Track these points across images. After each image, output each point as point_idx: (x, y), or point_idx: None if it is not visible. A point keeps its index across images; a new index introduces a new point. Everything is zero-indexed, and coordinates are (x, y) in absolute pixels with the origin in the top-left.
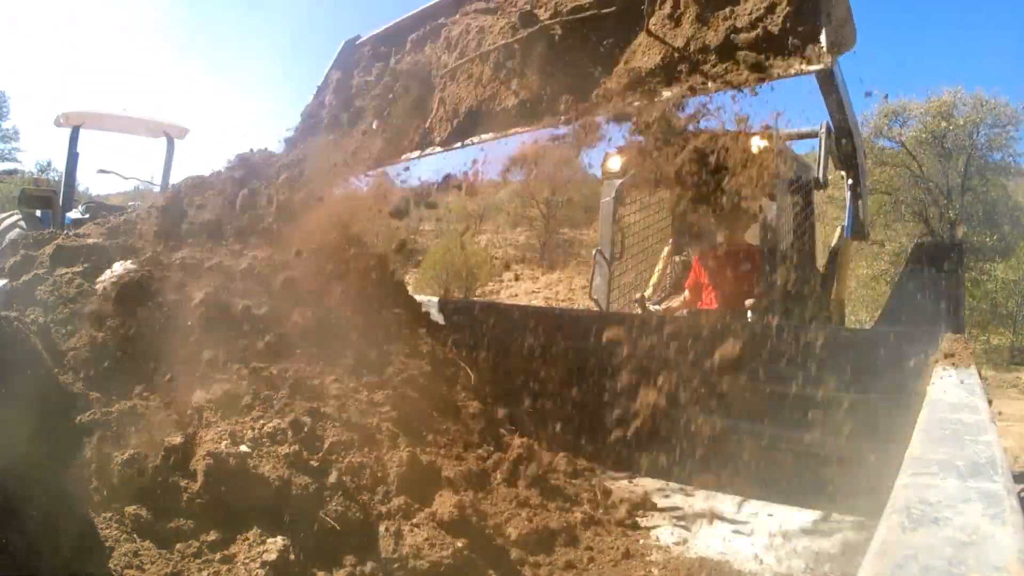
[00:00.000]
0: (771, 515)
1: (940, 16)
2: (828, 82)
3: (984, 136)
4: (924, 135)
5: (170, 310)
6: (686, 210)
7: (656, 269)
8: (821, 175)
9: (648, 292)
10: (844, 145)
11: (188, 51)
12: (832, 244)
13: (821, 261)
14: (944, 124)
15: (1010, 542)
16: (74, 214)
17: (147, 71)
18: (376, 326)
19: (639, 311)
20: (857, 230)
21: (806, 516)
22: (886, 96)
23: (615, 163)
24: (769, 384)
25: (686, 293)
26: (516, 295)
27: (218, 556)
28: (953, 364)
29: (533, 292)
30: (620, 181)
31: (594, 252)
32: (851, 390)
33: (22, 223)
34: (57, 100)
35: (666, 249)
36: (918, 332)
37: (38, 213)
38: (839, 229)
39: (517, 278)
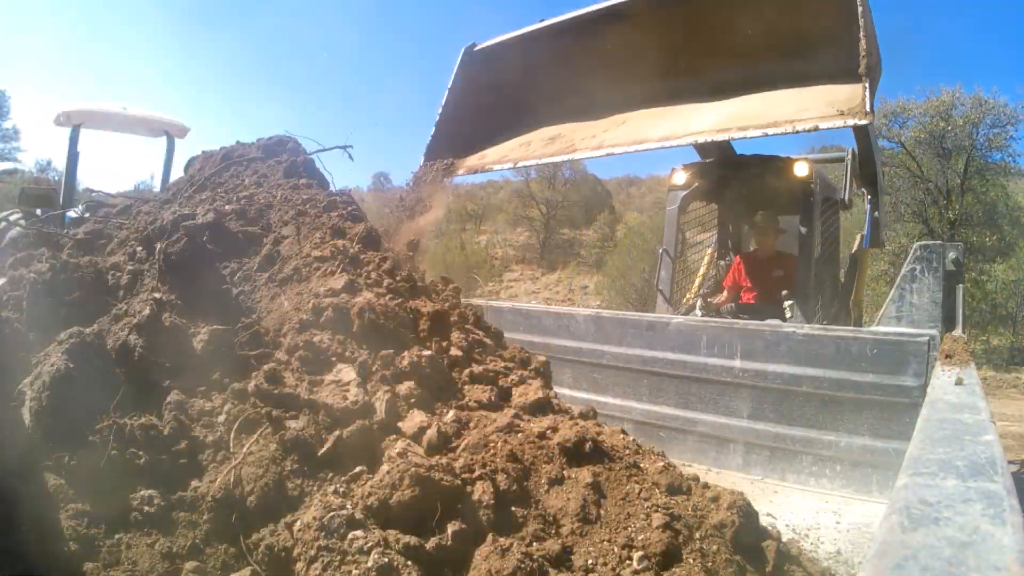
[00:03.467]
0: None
1: (940, 16)
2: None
3: (983, 136)
4: (923, 135)
5: None
6: (728, 221)
7: (700, 272)
8: (846, 196)
9: (695, 290)
10: (867, 168)
11: (189, 50)
12: (852, 251)
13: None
14: (943, 124)
15: (1010, 542)
16: (74, 213)
17: (147, 71)
18: None
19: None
20: (875, 240)
21: None
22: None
23: (680, 177)
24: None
25: (725, 292)
26: (516, 295)
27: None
28: (953, 364)
29: (533, 292)
30: (683, 193)
31: (660, 251)
32: (851, 389)
33: (22, 222)
34: (57, 100)
35: (708, 252)
36: (918, 333)
37: (38, 212)
38: (859, 238)
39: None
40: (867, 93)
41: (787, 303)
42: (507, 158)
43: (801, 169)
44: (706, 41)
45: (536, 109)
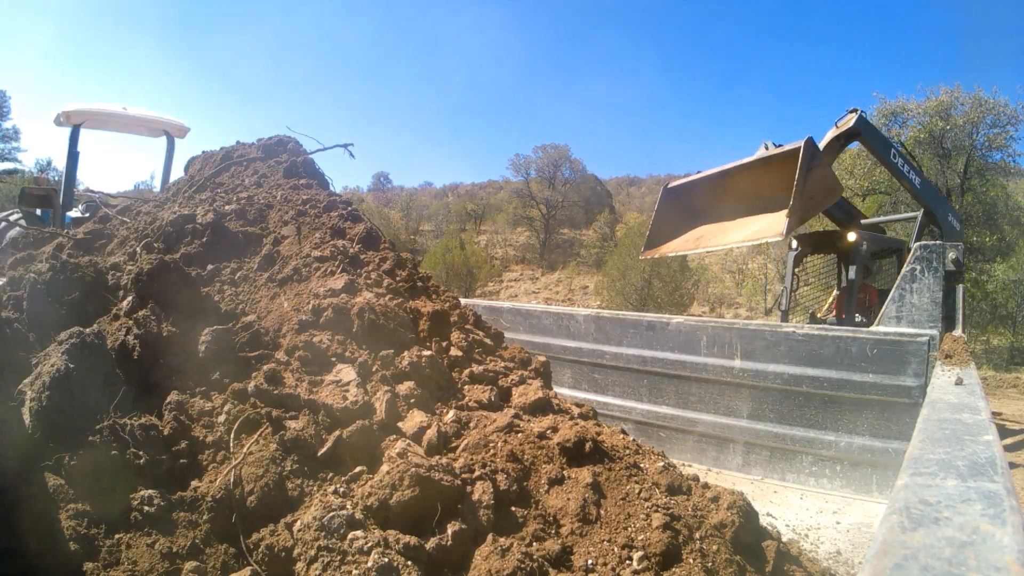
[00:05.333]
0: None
1: (939, 15)
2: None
3: (983, 136)
4: (923, 135)
5: None
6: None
7: (827, 302)
8: (913, 244)
9: (821, 313)
10: (932, 219)
11: (188, 50)
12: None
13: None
14: (942, 124)
15: (1010, 542)
16: (74, 213)
17: (147, 71)
18: None
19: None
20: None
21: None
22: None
23: (794, 243)
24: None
25: (834, 310)
26: (516, 295)
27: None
28: (953, 364)
29: (533, 292)
30: (795, 253)
31: (781, 290)
32: (851, 389)
33: (22, 222)
34: (57, 100)
35: (834, 291)
36: (918, 333)
37: (38, 212)
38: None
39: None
40: (788, 223)
41: (859, 317)
42: (673, 248)
43: (850, 236)
44: (763, 184)
45: (693, 217)
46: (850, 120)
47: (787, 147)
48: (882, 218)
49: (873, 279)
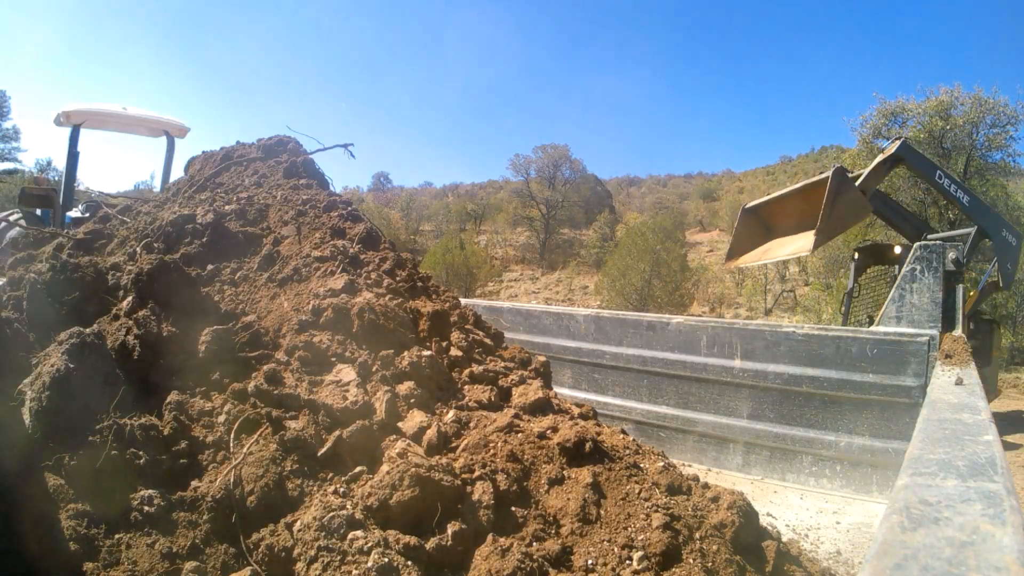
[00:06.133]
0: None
1: (939, 15)
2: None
3: (983, 136)
4: (923, 135)
5: None
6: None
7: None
8: (963, 258)
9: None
10: (983, 236)
11: (188, 50)
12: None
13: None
14: (942, 124)
15: (1010, 542)
16: (74, 213)
17: (147, 71)
18: None
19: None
20: (1004, 283)
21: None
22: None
23: (857, 256)
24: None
25: None
26: (516, 295)
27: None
28: (953, 364)
29: (533, 292)
30: (857, 262)
31: (843, 295)
32: (851, 389)
33: (22, 222)
34: (57, 100)
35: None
36: (918, 333)
37: (38, 212)
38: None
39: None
40: (815, 240)
41: None
42: (747, 260)
43: (896, 249)
44: (809, 205)
45: (764, 232)
46: (894, 146)
47: (827, 174)
48: (945, 233)
49: None
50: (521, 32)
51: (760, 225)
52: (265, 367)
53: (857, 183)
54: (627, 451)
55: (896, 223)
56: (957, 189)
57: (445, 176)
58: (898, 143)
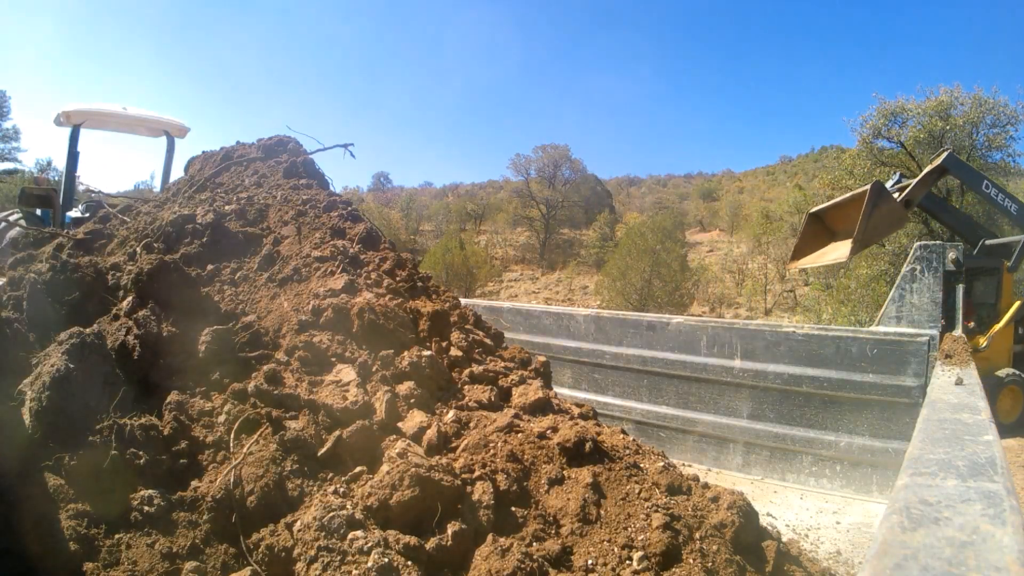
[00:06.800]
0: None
1: (939, 15)
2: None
3: (983, 136)
4: (923, 135)
5: None
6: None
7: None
8: (1012, 263)
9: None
10: (1019, 230)
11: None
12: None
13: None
14: (942, 124)
15: (1010, 542)
16: (74, 212)
17: (147, 71)
18: None
19: None
20: (1015, 266)
21: None
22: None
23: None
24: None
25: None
26: (516, 295)
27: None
28: (953, 364)
29: (533, 292)
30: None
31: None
32: (851, 389)
33: (22, 222)
34: (57, 100)
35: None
36: (918, 333)
37: (38, 212)
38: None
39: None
40: (851, 248)
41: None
42: (806, 262)
43: (950, 254)
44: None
45: (824, 236)
46: (940, 157)
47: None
48: (998, 240)
49: (969, 294)
50: (521, 32)
51: (822, 229)
52: (265, 367)
53: (904, 194)
54: (627, 451)
55: (953, 226)
56: (1004, 199)
57: (445, 176)
58: (944, 155)
